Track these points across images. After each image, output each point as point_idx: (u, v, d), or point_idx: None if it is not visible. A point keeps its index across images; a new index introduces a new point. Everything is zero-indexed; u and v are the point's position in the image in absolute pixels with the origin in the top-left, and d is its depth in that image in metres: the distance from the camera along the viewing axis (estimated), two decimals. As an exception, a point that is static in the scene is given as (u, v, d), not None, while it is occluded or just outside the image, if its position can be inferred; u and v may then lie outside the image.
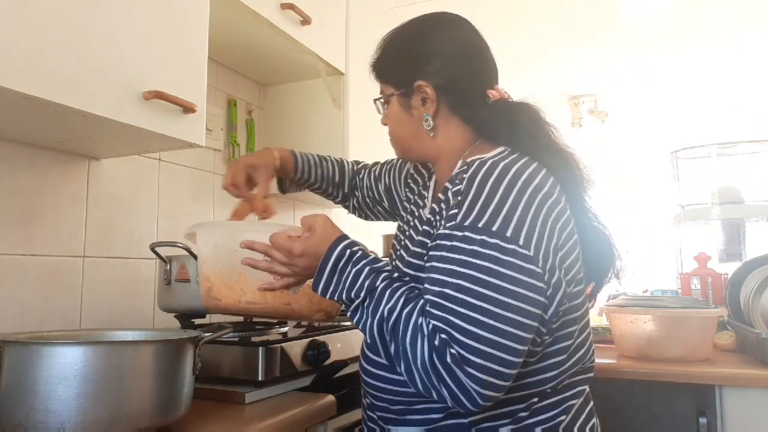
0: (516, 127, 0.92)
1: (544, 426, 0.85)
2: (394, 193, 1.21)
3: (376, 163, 1.29)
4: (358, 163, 1.33)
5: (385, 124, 1.03)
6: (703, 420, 1.45)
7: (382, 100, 1.01)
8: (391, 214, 1.26)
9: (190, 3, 1.22)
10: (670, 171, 2.75)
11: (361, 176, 1.29)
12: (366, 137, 1.95)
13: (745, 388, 1.44)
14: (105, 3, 1.01)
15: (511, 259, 0.76)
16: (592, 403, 0.95)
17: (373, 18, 2.09)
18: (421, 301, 0.80)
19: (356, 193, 1.29)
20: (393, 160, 1.24)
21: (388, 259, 0.97)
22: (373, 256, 0.87)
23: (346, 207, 1.33)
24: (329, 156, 1.28)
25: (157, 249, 1.27)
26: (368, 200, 1.27)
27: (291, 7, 1.56)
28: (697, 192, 2.59)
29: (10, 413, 0.78)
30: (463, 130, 0.96)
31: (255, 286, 0.93)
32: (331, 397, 1.16)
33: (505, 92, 0.98)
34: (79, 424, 0.77)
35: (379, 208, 1.27)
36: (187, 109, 1.16)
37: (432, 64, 0.94)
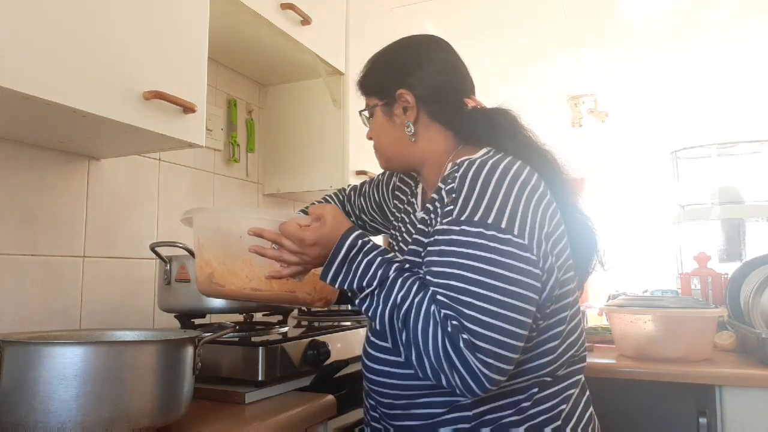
0: (496, 129, 0.97)
1: (546, 415, 0.88)
2: (384, 207, 1.25)
3: (363, 183, 1.33)
4: (344, 190, 1.36)
5: (370, 138, 1.09)
6: (703, 420, 1.45)
7: (366, 113, 1.07)
8: (385, 227, 1.29)
9: (190, 3, 1.22)
10: (670, 171, 2.76)
11: (351, 200, 1.32)
12: (366, 137, 1.94)
13: (745, 388, 1.44)
14: (105, 3, 1.01)
15: (509, 248, 0.81)
16: (588, 393, 0.98)
17: (373, 18, 2.08)
18: (431, 290, 0.83)
19: (351, 219, 1.30)
20: (378, 176, 1.28)
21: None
22: (382, 247, 0.89)
23: None
24: (316, 203, 1.30)
25: (157, 249, 1.27)
26: (364, 217, 1.30)
27: (291, 7, 1.56)
28: (697, 192, 2.60)
29: (10, 413, 0.78)
30: (445, 136, 1.01)
31: (261, 273, 0.93)
32: (331, 397, 1.16)
33: (480, 102, 1.03)
34: (79, 424, 0.77)
35: (374, 224, 1.30)
36: (187, 109, 1.16)
37: (413, 76, 1.00)
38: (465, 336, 0.78)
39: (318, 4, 1.72)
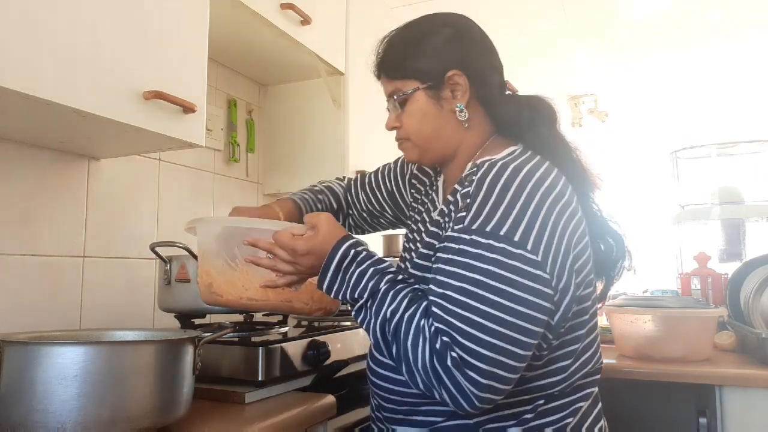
0: (536, 120, 0.92)
1: (551, 428, 0.85)
2: (398, 197, 1.17)
3: (366, 174, 1.25)
4: (342, 179, 1.28)
5: (394, 128, 0.97)
6: (703, 420, 1.45)
7: (398, 99, 0.94)
8: (396, 221, 1.22)
9: (190, 3, 1.22)
10: (670, 171, 2.76)
11: (353, 191, 1.25)
12: (366, 137, 1.95)
13: (745, 388, 1.44)
14: (105, 3, 1.01)
15: (518, 264, 0.75)
16: (600, 405, 0.94)
17: (373, 18, 2.08)
18: (425, 303, 0.80)
19: (351, 211, 1.25)
20: (389, 164, 1.21)
21: (391, 259, 0.97)
22: (377, 256, 0.87)
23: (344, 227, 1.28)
24: (318, 185, 1.25)
25: (157, 249, 1.27)
26: (366, 213, 1.23)
27: (291, 7, 1.56)
28: (697, 192, 2.60)
29: (10, 413, 0.78)
30: (485, 123, 0.95)
31: (257, 283, 0.93)
32: (331, 397, 1.16)
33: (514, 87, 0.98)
34: (79, 424, 0.77)
35: (382, 219, 1.23)
36: (187, 109, 1.16)
37: (461, 54, 0.92)
38: (454, 354, 0.74)
39: (318, 4, 1.72)
